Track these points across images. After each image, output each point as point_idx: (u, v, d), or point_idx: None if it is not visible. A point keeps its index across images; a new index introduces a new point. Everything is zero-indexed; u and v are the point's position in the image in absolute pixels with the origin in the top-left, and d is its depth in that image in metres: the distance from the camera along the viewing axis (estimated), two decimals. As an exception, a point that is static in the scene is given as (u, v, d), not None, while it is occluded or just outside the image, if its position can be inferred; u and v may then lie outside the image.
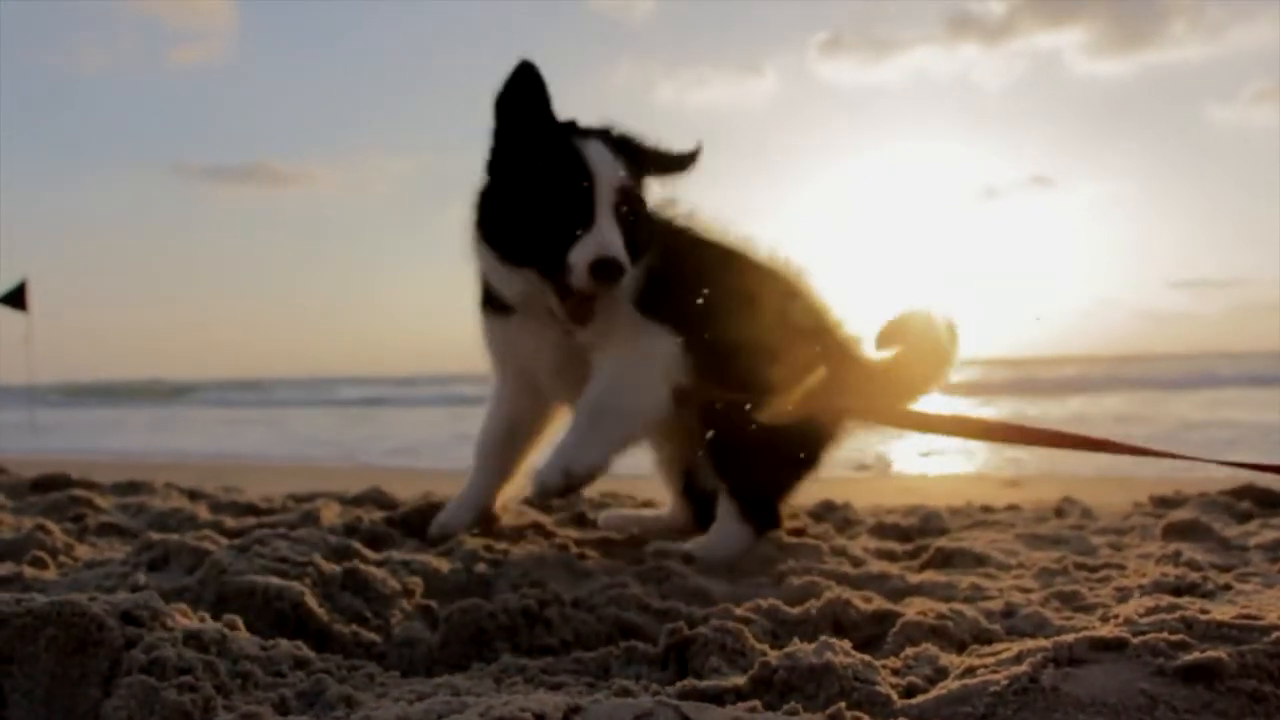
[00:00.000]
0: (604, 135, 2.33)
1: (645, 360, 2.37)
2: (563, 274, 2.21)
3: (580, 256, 2.17)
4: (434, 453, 9.26)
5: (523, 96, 2.28)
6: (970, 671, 1.33)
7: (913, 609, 1.79)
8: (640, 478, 3.80)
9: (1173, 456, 1.97)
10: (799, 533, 2.85)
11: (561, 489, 2.26)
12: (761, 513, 2.52)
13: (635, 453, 2.55)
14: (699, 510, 2.67)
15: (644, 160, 2.37)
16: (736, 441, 2.41)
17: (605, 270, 2.16)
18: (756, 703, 1.24)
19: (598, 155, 2.24)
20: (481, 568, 2.17)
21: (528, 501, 3.53)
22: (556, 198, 2.22)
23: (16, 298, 12.62)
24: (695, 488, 2.68)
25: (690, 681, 1.35)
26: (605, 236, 2.18)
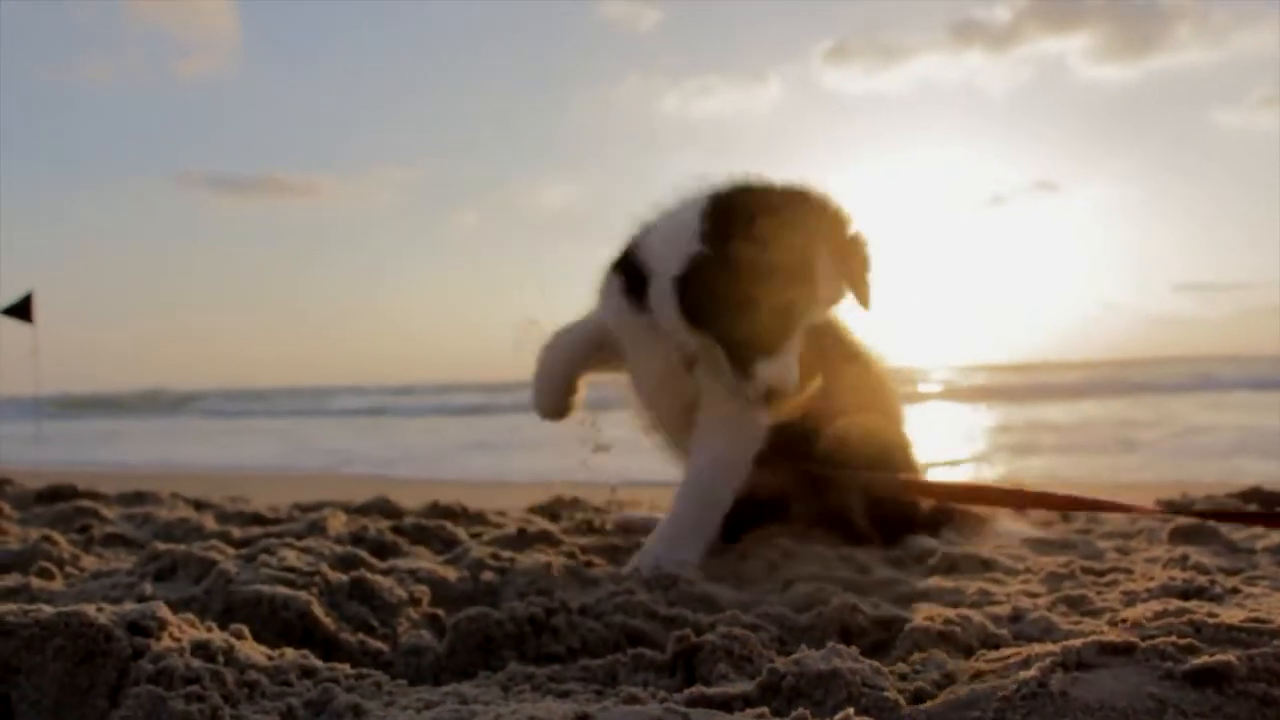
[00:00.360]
0: (831, 227, 2.32)
1: (739, 439, 2.46)
2: (741, 370, 2.27)
3: (762, 377, 2.25)
4: (440, 462, 9.28)
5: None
6: (978, 676, 1.33)
7: (920, 614, 1.78)
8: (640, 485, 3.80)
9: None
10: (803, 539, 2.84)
11: (655, 583, 2.17)
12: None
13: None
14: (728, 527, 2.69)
15: (846, 258, 2.34)
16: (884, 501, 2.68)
17: (776, 397, 2.27)
18: (765, 709, 1.24)
19: (824, 276, 2.28)
20: (488, 576, 2.17)
21: (535, 510, 3.54)
22: (773, 306, 2.25)
23: (22, 309, 12.64)
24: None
25: (698, 688, 1.34)
26: (789, 369, 2.26)
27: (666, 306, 2.34)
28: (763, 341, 2.26)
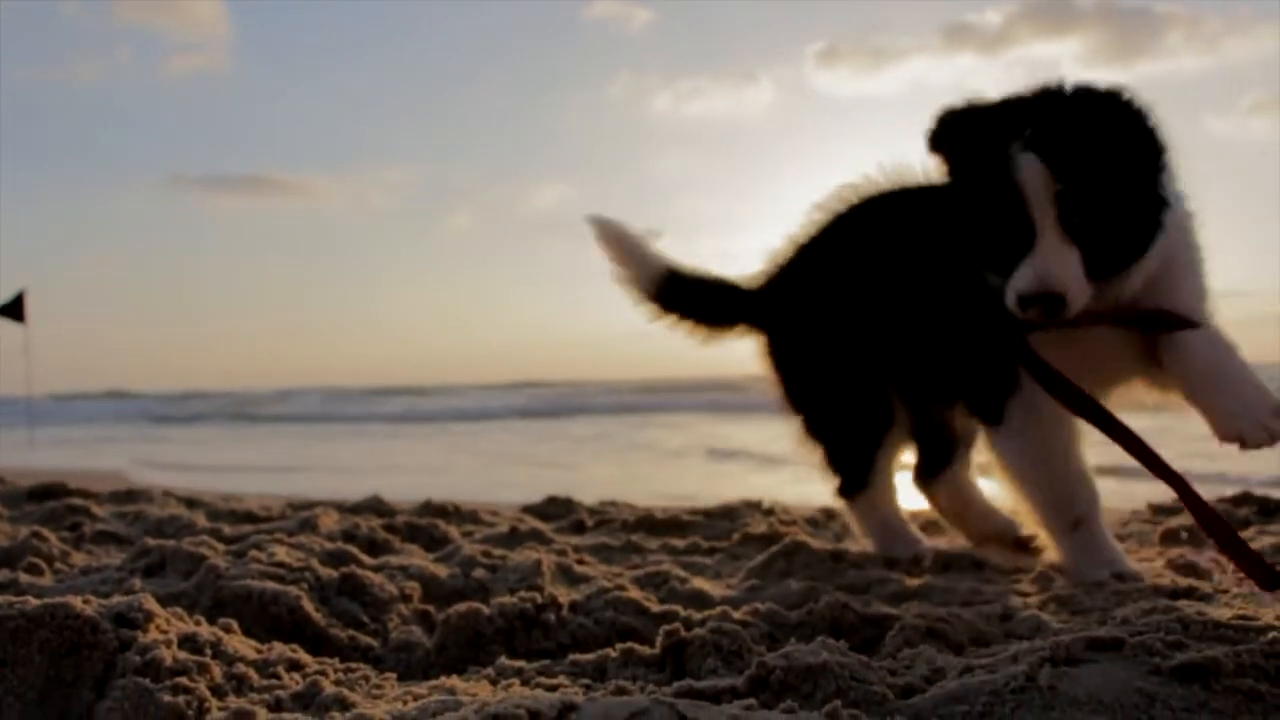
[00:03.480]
0: (1044, 121, 2.00)
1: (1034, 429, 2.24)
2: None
3: (1011, 289, 2.00)
4: (434, 468, 9.26)
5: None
6: (968, 671, 1.33)
7: (911, 612, 1.78)
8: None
9: None
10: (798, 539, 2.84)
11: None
12: None
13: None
14: None
15: (1109, 144, 2.00)
16: None
17: (1037, 305, 1.98)
18: (752, 701, 1.24)
19: (1027, 165, 1.96)
20: (479, 573, 2.17)
21: (527, 510, 3.54)
22: (989, 223, 2.04)
23: (14, 309, 12.59)
24: None
25: (687, 682, 1.34)
26: (1039, 266, 1.97)
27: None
28: (1004, 260, 2.02)
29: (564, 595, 1.90)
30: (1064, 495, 2.21)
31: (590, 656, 1.57)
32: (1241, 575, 1.95)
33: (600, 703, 1.17)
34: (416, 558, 2.37)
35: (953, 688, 1.26)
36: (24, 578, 2.08)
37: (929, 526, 3.15)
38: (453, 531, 2.81)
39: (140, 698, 1.29)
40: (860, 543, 2.60)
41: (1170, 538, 2.68)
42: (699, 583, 2.13)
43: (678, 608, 1.88)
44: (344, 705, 1.33)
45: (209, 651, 1.43)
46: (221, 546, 2.26)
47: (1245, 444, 1.99)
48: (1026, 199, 1.97)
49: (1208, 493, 3.56)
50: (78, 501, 3.25)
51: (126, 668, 1.34)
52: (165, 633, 1.43)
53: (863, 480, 2.52)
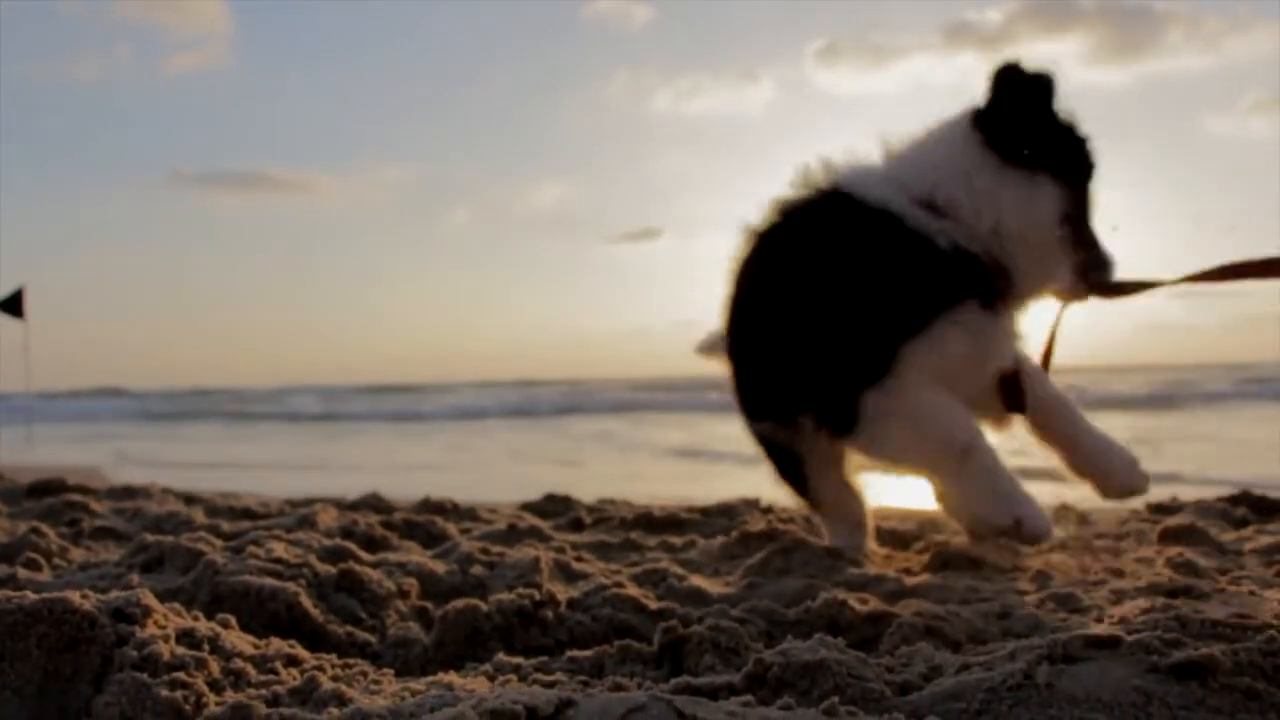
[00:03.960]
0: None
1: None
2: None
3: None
4: (432, 466, 9.25)
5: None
6: (965, 669, 1.33)
7: (908, 610, 1.78)
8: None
9: None
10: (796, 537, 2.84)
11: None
12: None
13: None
14: None
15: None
16: None
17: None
18: (750, 697, 1.24)
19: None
20: (477, 570, 2.17)
21: (526, 507, 3.54)
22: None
23: (13, 305, 12.56)
24: None
25: (685, 679, 1.34)
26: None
27: (1004, 196, 2.15)
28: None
29: (562, 592, 1.90)
30: (941, 429, 2.11)
31: (588, 653, 1.57)
32: None
33: (598, 699, 1.17)
34: (415, 554, 2.38)
35: (950, 685, 1.26)
36: (22, 573, 2.09)
37: (929, 525, 3.16)
38: (451, 528, 2.81)
39: (138, 692, 1.29)
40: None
41: (1169, 536, 2.68)
42: (697, 580, 2.13)
43: (675, 605, 1.88)
44: (341, 701, 1.33)
45: (206, 647, 1.43)
46: (220, 543, 2.26)
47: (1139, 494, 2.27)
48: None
49: (1206, 493, 3.57)
50: (76, 498, 3.25)
51: (124, 662, 1.34)
52: (163, 628, 1.43)
53: (809, 500, 2.60)
